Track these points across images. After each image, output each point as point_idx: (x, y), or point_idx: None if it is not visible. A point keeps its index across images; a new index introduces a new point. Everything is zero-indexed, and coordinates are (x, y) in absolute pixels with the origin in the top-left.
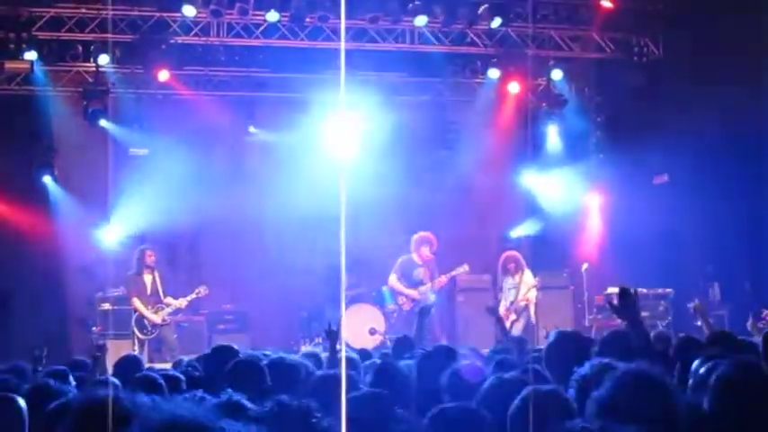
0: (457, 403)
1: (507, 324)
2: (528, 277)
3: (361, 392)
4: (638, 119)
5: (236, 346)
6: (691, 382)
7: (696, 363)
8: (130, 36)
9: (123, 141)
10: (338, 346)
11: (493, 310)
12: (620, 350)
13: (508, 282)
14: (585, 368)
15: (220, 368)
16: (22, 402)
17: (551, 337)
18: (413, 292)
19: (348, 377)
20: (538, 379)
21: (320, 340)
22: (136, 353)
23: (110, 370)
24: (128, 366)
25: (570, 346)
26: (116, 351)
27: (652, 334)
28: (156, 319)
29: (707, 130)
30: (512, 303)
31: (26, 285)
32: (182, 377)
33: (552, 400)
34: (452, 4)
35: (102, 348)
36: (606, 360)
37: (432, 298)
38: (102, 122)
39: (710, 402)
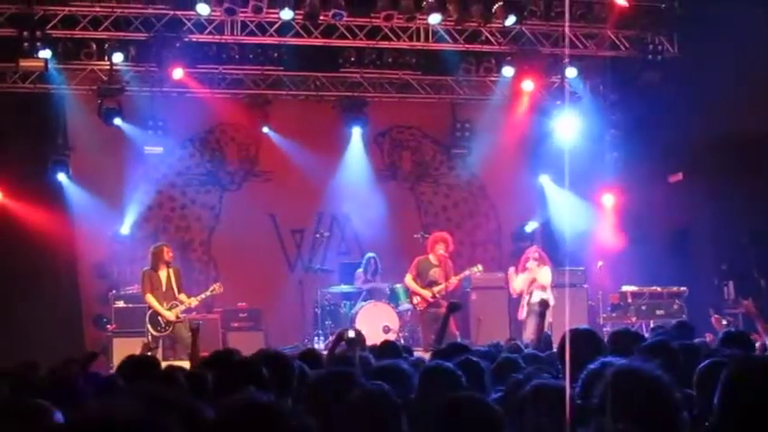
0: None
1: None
2: (545, 277)
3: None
4: (653, 117)
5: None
6: (695, 380)
7: (704, 362)
8: (144, 34)
9: (138, 140)
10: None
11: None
12: (628, 347)
13: (531, 265)
14: (589, 368)
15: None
16: (58, 416)
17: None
18: (427, 293)
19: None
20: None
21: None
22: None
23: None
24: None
25: (583, 345)
26: (129, 349)
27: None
28: (171, 316)
29: (722, 128)
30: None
31: (41, 283)
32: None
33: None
34: (466, 1)
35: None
36: (609, 359)
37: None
38: (117, 121)
39: (719, 402)
